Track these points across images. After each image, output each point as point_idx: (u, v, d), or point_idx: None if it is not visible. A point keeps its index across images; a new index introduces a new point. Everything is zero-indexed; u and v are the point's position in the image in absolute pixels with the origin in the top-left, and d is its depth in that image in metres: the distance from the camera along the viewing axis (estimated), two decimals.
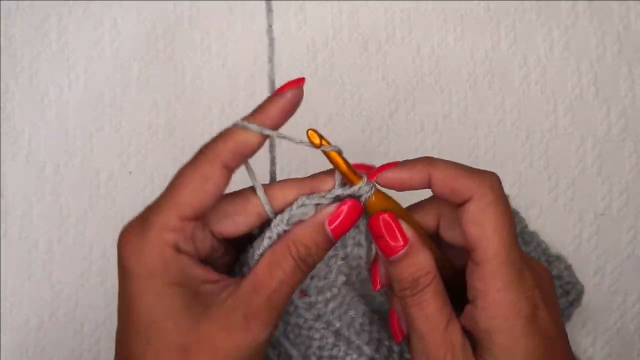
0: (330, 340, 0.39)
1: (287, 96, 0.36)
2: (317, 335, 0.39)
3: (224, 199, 0.36)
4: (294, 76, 0.60)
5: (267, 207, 0.36)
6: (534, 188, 0.59)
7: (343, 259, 0.38)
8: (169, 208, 0.33)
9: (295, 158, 0.60)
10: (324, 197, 0.35)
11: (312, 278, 0.39)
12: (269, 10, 0.38)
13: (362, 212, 0.36)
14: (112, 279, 0.57)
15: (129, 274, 0.33)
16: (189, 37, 0.61)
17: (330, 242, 0.35)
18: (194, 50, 0.61)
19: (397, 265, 0.35)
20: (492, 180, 0.35)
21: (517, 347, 0.33)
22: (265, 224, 0.37)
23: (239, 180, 0.37)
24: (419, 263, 0.35)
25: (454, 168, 0.35)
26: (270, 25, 0.37)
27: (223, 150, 0.34)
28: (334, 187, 0.36)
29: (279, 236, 0.35)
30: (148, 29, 0.61)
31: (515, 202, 0.59)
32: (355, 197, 0.35)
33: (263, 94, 0.62)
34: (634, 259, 0.58)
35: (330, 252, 0.37)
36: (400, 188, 0.36)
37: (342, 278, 0.39)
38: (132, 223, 0.34)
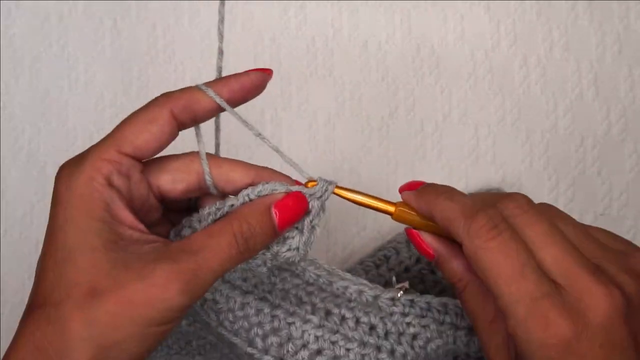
0: (267, 310, 0.38)
1: (252, 77, 0.36)
2: (252, 311, 0.38)
3: (169, 156, 0.36)
4: (294, 76, 0.61)
5: (207, 173, 0.35)
6: (534, 188, 0.59)
7: (271, 258, 0.37)
8: (109, 142, 0.33)
9: (295, 157, 0.59)
10: (290, 188, 0.35)
11: None
12: (221, 6, 0.38)
13: (307, 208, 0.35)
14: None
15: (56, 203, 0.33)
16: (189, 37, 0.61)
17: (274, 230, 0.35)
18: (194, 50, 0.61)
19: (437, 268, 0.36)
20: (482, 221, 0.32)
21: None
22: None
23: None
24: (448, 272, 0.36)
25: (450, 209, 0.34)
26: (221, 19, 0.38)
27: (174, 100, 0.34)
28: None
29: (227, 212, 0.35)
30: (148, 29, 0.61)
31: None
32: (317, 197, 0.35)
33: (263, 94, 0.62)
34: None
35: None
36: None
37: (263, 269, 0.37)
38: (73, 157, 0.34)
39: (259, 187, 0.35)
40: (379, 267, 0.53)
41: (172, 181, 0.35)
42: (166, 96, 0.35)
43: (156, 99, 0.35)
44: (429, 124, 0.60)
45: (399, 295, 0.38)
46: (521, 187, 0.59)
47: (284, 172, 0.38)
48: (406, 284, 0.38)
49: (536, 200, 0.60)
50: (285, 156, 0.36)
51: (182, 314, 0.32)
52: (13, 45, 0.61)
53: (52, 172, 0.59)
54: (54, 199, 0.33)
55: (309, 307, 0.38)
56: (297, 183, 0.37)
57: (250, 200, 0.35)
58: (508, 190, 0.59)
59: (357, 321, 0.38)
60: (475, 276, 0.34)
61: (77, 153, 0.60)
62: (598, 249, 0.33)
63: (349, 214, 0.59)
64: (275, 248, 0.36)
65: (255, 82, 0.36)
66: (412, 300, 0.38)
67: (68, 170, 0.33)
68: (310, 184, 0.36)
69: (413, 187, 0.37)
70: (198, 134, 0.37)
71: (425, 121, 0.60)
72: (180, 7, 0.62)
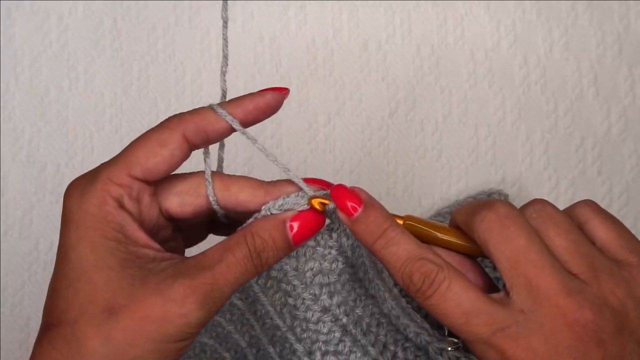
0: (337, 334, 0.39)
1: (267, 97, 0.35)
2: (324, 329, 0.39)
3: (178, 176, 0.36)
4: (294, 76, 0.61)
5: (211, 195, 0.35)
6: (534, 188, 0.59)
7: (336, 249, 0.38)
8: (119, 164, 0.33)
9: (295, 157, 0.60)
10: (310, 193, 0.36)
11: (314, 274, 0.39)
12: (225, 8, 0.38)
13: (324, 223, 0.36)
14: None
15: (67, 222, 0.32)
16: (189, 37, 0.61)
17: (288, 244, 0.35)
18: (194, 50, 0.61)
19: (361, 222, 0.34)
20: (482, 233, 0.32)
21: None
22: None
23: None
24: (373, 216, 0.34)
25: (465, 211, 0.34)
26: (225, 22, 0.38)
27: (187, 122, 0.34)
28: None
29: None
30: (148, 29, 0.61)
31: (516, 203, 0.59)
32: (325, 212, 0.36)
33: None
34: None
35: (324, 242, 0.38)
36: None
37: (339, 265, 0.39)
38: (83, 175, 0.34)
39: (280, 201, 0.35)
40: None
41: (180, 204, 0.35)
42: (178, 118, 0.34)
43: (168, 120, 0.34)
44: (429, 124, 0.60)
45: (448, 348, 0.38)
46: (521, 187, 0.59)
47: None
48: (460, 343, 0.38)
49: None
50: (292, 175, 0.36)
51: (199, 329, 0.32)
52: (13, 45, 0.61)
53: (52, 172, 0.59)
54: (65, 217, 0.33)
55: (372, 338, 0.39)
56: (322, 184, 0.37)
57: (272, 214, 0.35)
58: (508, 190, 0.59)
59: None
60: (490, 285, 0.35)
61: (77, 153, 0.61)
62: (586, 262, 0.31)
63: None
64: (332, 243, 0.38)
65: (270, 103, 0.36)
66: (458, 358, 0.38)
67: (78, 189, 0.33)
68: (314, 201, 0.36)
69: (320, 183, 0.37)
70: (206, 158, 0.36)
71: (425, 121, 0.60)
72: (180, 7, 0.62)
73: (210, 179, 0.35)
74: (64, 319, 0.31)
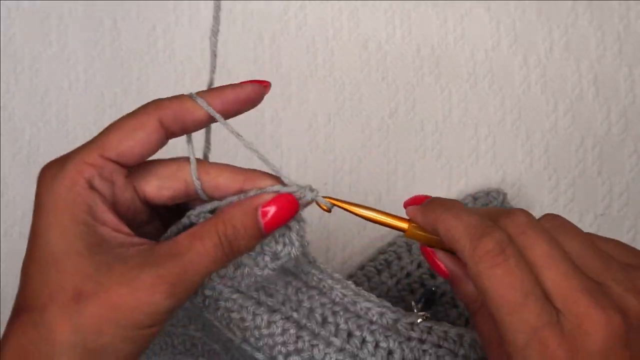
0: (292, 331, 0.38)
1: (247, 90, 0.35)
2: (278, 330, 0.38)
3: (157, 161, 0.36)
4: (294, 76, 0.61)
5: (196, 179, 0.35)
6: (534, 188, 0.59)
7: (271, 257, 0.37)
8: (92, 146, 0.33)
9: (295, 157, 0.60)
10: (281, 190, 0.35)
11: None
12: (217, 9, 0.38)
13: (297, 210, 0.35)
14: None
15: (38, 206, 0.32)
16: (189, 37, 0.61)
17: (260, 232, 0.34)
18: (194, 50, 0.61)
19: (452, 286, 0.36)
20: (489, 245, 0.31)
21: None
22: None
23: None
24: (461, 293, 0.35)
25: (455, 227, 0.33)
26: (215, 24, 0.38)
27: (164, 108, 0.34)
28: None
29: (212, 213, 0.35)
30: (148, 29, 0.61)
31: (515, 202, 0.59)
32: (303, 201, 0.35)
33: None
34: None
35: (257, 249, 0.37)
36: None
37: (268, 271, 0.37)
38: (55, 159, 0.33)
39: (250, 194, 0.35)
40: (381, 273, 0.53)
41: (159, 188, 0.35)
42: (156, 104, 0.34)
43: (146, 105, 0.34)
44: (429, 124, 0.60)
45: (418, 321, 0.38)
46: (521, 187, 0.59)
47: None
48: (427, 314, 0.38)
49: (536, 200, 0.61)
50: (272, 165, 0.36)
51: (170, 315, 0.32)
52: (13, 45, 0.61)
53: None
54: (36, 202, 0.33)
55: (332, 328, 0.38)
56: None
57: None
58: (508, 190, 0.59)
59: (377, 345, 0.38)
60: None
61: None
62: (603, 265, 0.32)
63: (349, 215, 0.59)
64: (272, 247, 0.36)
65: (250, 95, 0.36)
66: (430, 327, 0.38)
67: (50, 173, 0.33)
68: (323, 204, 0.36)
69: (418, 202, 0.36)
70: (189, 142, 0.36)
71: (425, 121, 0.60)
72: (180, 7, 0.62)
73: (194, 163, 0.35)
74: (33, 305, 0.31)
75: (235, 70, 0.60)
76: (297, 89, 0.60)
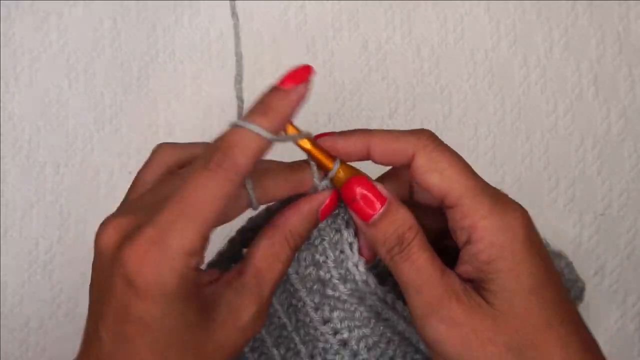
0: (335, 346, 0.39)
1: (292, 98, 0.32)
2: (322, 338, 0.39)
3: (272, 166, 0.36)
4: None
5: (254, 201, 0.34)
6: (534, 188, 0.59)
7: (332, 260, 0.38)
8: (190, 227, 0.29)
9: (295, 157, 0.59)
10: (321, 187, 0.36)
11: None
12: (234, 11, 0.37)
13: (337, 203, 0.36)
14: None
15: (138, 293, 0.29)
16: (189, 37, 0.61)
17: (317, 225, 0.36)
18: (194, 50, 0.61)
19: (378, 226, 0.34)
20: (428, 134, 0.34)
21: (521, 268, 0.32)
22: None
23: None
24: (400, 219, 0.34)
25: (391, 133, 0.35)
26: (235, 21, 0.37)
27: (243, 167, 0.31)
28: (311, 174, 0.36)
29: (270, 217, 0.35)
30: (148, 29, 0.61)
31: None
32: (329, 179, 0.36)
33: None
34: (634, 259, 0.58)
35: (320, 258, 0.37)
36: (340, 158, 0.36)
37: (335, 281, 0.37)
38: (144, 236, 0.29)
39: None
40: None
41: (225, 215, 0.34)
42: (233, 164, 0.31)
43: (222, 167, 0.30)
44: (429, 124, 0.60)
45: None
46: (521, 187, 0.59)
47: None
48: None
49: (536, 200, 0.61)
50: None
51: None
52: (13, 45, 0.61)
53: (52, 172, 0.59)
54: (130, 288, 0.29)
55: (378, 352, 0.39)
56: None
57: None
58: (507, 191, 0.59)
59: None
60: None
61: (76, 153, 0.61)
62: None
63: None
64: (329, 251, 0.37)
65: (299, 100, 0.33)
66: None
67: (148, 260, 0.29)
68: (289, 129, 0.35)
69: (324, 136, 0.36)
70: (247, 182, 0.35)
71: (425, 121, 0.60)
72: (180, 7, 0.62)
73: (252, 187, 0.34)
74: None
75: (235, 71, 0.60)
76: None
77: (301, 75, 0.32)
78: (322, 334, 0.38)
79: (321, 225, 0.37)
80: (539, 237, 0.34)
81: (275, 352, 0.40)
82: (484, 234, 0.32)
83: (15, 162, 0.59)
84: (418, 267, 0.33)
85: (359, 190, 0.34)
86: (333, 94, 0.61)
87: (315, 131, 0.61)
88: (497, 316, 0.32)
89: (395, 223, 0.34)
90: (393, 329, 0.39)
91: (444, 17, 0.61)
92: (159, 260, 0.29)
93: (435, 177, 0.33)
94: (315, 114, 0.60)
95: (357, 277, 0.36)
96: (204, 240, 0.30)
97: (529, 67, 0.61)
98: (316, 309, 0.38)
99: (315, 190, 0.36)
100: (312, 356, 0.39)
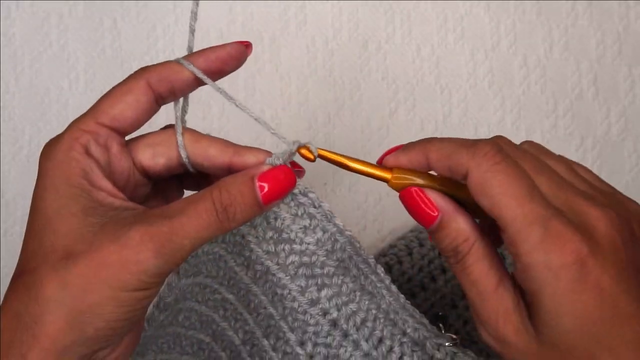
0: (326, 327, 0.39)
1: (228, 48, 0.37)
2: (312, 321, 0.39)
3: (151, 132, 0.37)
4: (294, 76, 0.61)
5: (181, 146, 0.35)
6: None
7: (313, 244, 0.38)
8: (87, 114, 0.34)
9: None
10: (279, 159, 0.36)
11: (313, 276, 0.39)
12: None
13: (295, 182, 0.36)
14: None
15: (38, 174, 0.33)
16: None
17: (257, 202, 0.34)
18: (194, 50, 0.61)
19: (435, 236, 0.35)
20: (487, 149, 0.33)
21: (563, 309, 0.30)
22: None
23: None
24: (454, 231, 0.34)
25: (448, 145, 0.34)
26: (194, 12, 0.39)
27: (151, 71, 0.35)
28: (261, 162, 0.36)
29: None
30: (148, 29, 0.61)
31: None
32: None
33: (263, 93, 0.63)
34: None
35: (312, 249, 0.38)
36: None
37: (319, 257, 0.38)
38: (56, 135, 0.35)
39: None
40: None
41: (153, 155, 0.36)
42: (143, 69, 0.36)
43: (133, 73, 0.36)
44: (429, 124, 0.60)
45: (446, 343, 0.38)
46: None
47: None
48: (458, 339, 0.38)
49: None
50: (267, 125, 0.36)
51: (158, 280, 0.32)
52: (13, 45, 0.61)
53: None
54: (38, 172, 0.33)
55: (367, 332, 0.39)
56: (295, 166, 0.37)
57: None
58: None
59: (400, 357, 0.39)
60: (482, 234, 0.34)
61: None
62: (587, 185, 0.33)
63: (349, 215, 0.59)
64: (300, 223, 0.37)
65: (231, 54, 0.37)
66: (455, 353, 0.38)
67: (49, 144, 0.34)
68: (302, 149, 0.37)
69: (392, 151, 0.36)
70: (176, 107, 0.37)
71: (425, 121, 0.60)
72: (180, 7, 0.62)
73: (180, 129, 0.36)
74: (27, 268, 0.32)
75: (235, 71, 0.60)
76: (297, 89, 0.60)
77: (238, 42, 0.38)
78: (311, 316, 0.38)
79: (287, 222, 0.37)
80: (603, 268, 0.30)
81: (265, 342, 0.40)
82: (526, 268, 0.31)
83: (15, 162, 0.59)
84: (472, 280, 0.33)
85: (414, 202, 0.35)
86: (333, 94, 0.61)
87: (315, 131, 0.62)
88: (543, 342, 0.32)
89: (450, 236, 0.34)
90: (377, 305, 0.39)
91: (444, 17, 0.62)
92: (55, 139, 0.34)
93: (485, 201, 0.32)
94: (315, 114, 0.60)
95: (323, 239, 0.38)
96: (98, 125, 0.34)
97: (529, 67, 0.61)
98: (303, 293, 0.38)
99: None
100: (302, 342, 0.39)
